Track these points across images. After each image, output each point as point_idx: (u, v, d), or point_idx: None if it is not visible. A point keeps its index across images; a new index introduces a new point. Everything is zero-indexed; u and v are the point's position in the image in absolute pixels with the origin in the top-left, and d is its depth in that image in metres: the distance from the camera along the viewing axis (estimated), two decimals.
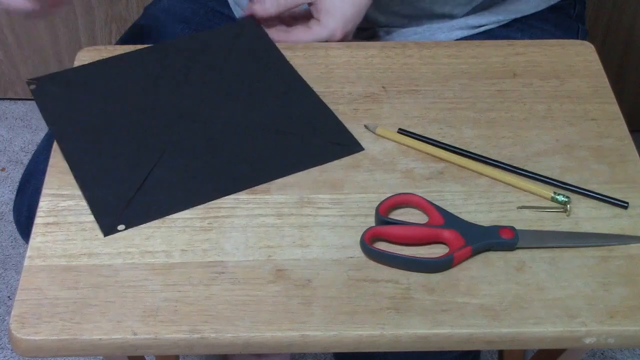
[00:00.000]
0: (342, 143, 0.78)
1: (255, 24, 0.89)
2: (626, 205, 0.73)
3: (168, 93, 0.83)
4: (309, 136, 0.79)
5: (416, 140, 0.79)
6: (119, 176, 0.75)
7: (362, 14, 0.88)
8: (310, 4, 0.88)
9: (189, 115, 0.81)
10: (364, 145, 0.79)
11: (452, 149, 0.78)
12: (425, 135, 0.79)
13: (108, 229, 0.71)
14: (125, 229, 0.71)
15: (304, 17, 0.91)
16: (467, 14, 0.98)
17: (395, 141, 0.79)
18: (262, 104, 0.82)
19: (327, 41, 0.88)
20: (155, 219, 0.72)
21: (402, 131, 0.80)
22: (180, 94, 0.83)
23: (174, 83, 0.84)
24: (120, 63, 0.87)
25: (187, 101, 0.82)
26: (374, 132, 0.80)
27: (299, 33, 0.89)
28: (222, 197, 0.74)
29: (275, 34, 0.89)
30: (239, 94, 0.83)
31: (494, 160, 0.77)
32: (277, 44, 0.88)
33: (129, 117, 0.81)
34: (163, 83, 0.84)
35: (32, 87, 0.84)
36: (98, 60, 0.87)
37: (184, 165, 0.76)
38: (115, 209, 0.73)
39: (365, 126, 0.81)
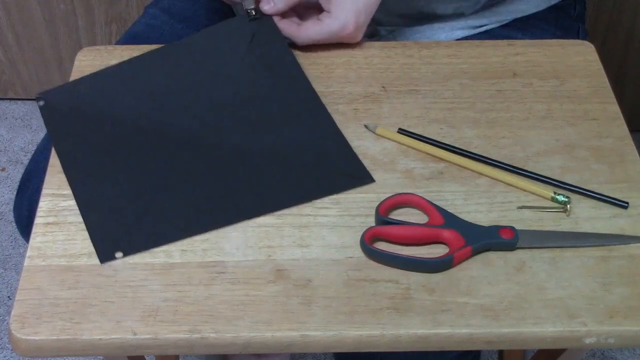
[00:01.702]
0: (354, 175, 0.75)
1: (272, 25, 0.86)
2: (626, 205, 0.73)
3: (177, 110, 0.81)
4: (319, 166, 0.76)
5: (416, 140, 0.79)
6: (120, 201, 0.74)
7: (376, 5, 0.86)
8: None
9: (196, 137, 0.78)
10: (364, 145, 0.79)
11: (452, 148, 0.78)
12: (425, 135, 0.79)
13: (105, 256, 0.69)
14: (123, 257, 0.70)
15: (317, 8, 0.88)
16: (469, 13, 0.98)
17: (395, 141, 0.79)
18: (274, 125, 0.79)
19: (340, 36, 0.86)
20: (155, 247, 0.70)
21: (402, 131, 0.80)
22: (189, 111, 0.81)
23: (183, 96, 0.82)
24: (128, 70, 0.84)
25: (195, 120, 0.80)
26: (374, 132, 0.80)
27: (310, 27, 0.86)
28: (225, 226, 0.72)
29: (287, 27, 0.86)
30: (251, 112, 0.80)
31: (494, 160, 0.77)
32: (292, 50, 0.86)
33: (134, 138, 0.78)
34: (170, 99, 0.82)
35: (41, 103, 0.82)
36: (106, 68, 0.85)
37: (188, 192, 0.74)
38: (114, 235, 0.71)
39: (365, 126, 0.81)
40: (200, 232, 0.71)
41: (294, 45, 0.87)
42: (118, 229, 0.71)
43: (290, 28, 0.86)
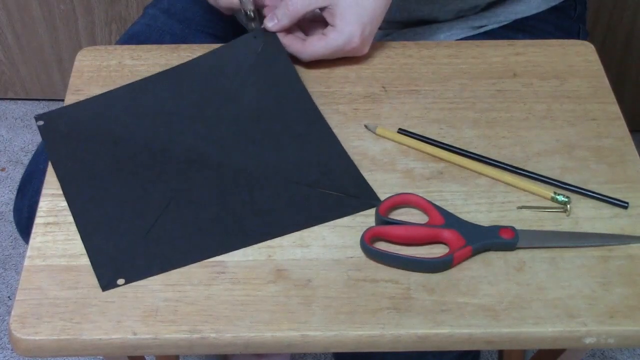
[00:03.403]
0: (360, 196, 0.74)
1: (277, 42, 0.85)
2: (626, 205, 0.73)
3: (179, 131, 0.79)
4: (326, 188, 0.74)
5: (416, 140, 0.79)
6: (122, 226, 0.72)
7: (381, 17, 0.84)
8: (323, 9, 0.83)
9: (200, 160, 0.77)
10: (364, 145, 0.79)
11: (452, 149, 0.78)
12: (425, 135, 0.79)
13: (107, 284, 0.68)
14: (124, 284, 0.68)
15: (322, 21, 0.86)
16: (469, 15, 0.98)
17: (395, 141, 0.79)
18: (279, 146, 0.78)
19: (345, 51, 0.84)
20: (157, 274, 0.68)
21: (402, 131, 0.80)
22: (192, 131, 0.79)
23: (185, 118, 0.80)
24: (130, 93, 0.83)
25: (199, 142, 0.78)
26: (374, 132, 0.80)
27: (315, 42, 0.84)
28: (230, 252, 0.70)
29: (292, 43, 0.84)
30: (255, 132, 0.79)
31: (494, 160, 0.77)
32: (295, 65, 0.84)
33: (136, 161, 0.77)
34: (173, 120, 0.80)
35: (40, 123, 0.80)
36: (107, 92, 0.83)
37: (191, 216, 0.72)
38: (115, 262, 0.69)
39: (365, 126, 0.81)
40: (203, 258, 0.69)
41: (297, 59, 0.86)
42: (119, 255, 0.70)
43: (295, 45, 0.84)
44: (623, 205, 0.73)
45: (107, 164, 0.77)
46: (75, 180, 0.76)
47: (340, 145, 0.78)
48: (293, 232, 0.71)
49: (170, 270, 0.69)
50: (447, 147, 0.78)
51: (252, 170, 0.76)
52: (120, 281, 0.68)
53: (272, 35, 0.85)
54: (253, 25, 0.87)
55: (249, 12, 0.86)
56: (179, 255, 0.70)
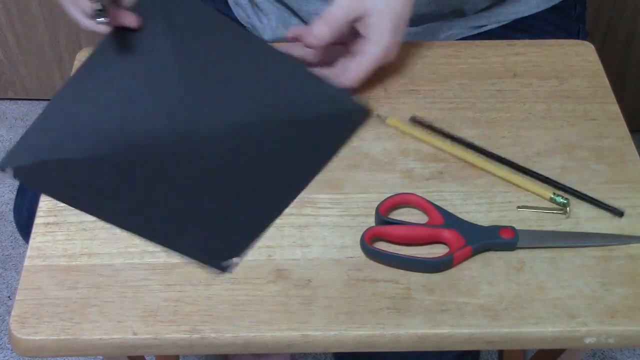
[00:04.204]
0: (351, 112, 0.70)
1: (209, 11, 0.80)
2: (621, 213, 0.73)
3: (139, 113, 0.77)
4: (320, 118, 0.71)
5: (424, 133, 0.79)
6: (67, 140, 0.72)
7: (408, 21, 0.81)
8: (355, 20, 0.79)
9: (182, 140, 0.75)
10: (364, 145, 0.79)
11: (462, 140, 0.78)
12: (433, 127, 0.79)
13: (2, 165, 0.69)
14: (10, 175, 0.68)
15: (341, 43, 0.82)
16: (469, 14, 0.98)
17: (404, 132, 0.80)
18: (257, 98, 0.75)
19: (383, 61, 0.80)
20: (43, 193, 0.69)
21: (414, 119, 0.80)
22: (161, 108, 0.77)
23: (142, 99, 0.78)
24: (80, 87, 0.80)
25: (171, 120, 0.76)
26: (384, 122, 0.80)
27: (355, 65, 0.79)
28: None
29: (333, 77, 0.80)
30: (224, 91, 0.76)
31: (500, 158, 0.77)
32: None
33: (129, 109, 0.76)
34: (133, 101, 0.78)
35: (8, 171, 0.74)
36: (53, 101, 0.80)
37: (136, 183, 0.72)
38: (30, 156, 0.69)
39: (378, 115, 0.81)
40: (99, 217, 0.70)
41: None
42: (37, 154, 0.71)
43: (337, 78, 0.80)
44: (618, 213, 0.73)
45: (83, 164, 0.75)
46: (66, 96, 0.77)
47: (304, 68, 0.74)
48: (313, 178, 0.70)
49: (67, 204, 0.70)
50: (456, 138, 0.78)
51: (243, 132, 0.74)
52: (8, 170, 0.69)
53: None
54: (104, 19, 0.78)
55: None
56: (83, 196, 0.71)
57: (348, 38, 0.81)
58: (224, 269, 0.68)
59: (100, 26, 0.77)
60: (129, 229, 0.70)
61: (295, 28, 0.82)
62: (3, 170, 0.67)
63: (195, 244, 0.70)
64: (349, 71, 0.80)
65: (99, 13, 0.77)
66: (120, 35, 0.79)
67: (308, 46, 0.79)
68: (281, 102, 0.75)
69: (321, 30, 0.78)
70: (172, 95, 0.77)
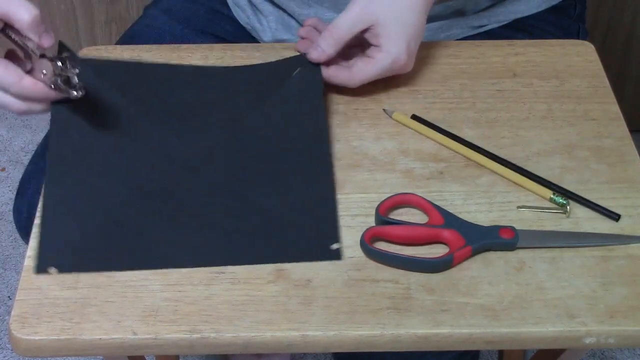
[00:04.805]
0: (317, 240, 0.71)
1: (316, 70, 0.81)
2: (617, 217, 0.72)
3: (183, 133, 0.77)
4: (289, 225, 0.71)
5: (429, 130, 0.80)
6: (84, 219, 0.70)
7: (423, 30, 0.82)
8: (365, 31, 0.80)
9: (187, 168, 0.74)
10: (364, 145, 0.79)
11: (464, 142, 0.78)
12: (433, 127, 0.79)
13: (39, 269, 0.67)
14: (57, 273, 0.67)
15: (360, 45, 0.82)
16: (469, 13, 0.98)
17: (410, 127, 0.80)
18: (271, 176, 0.75)
19: (393, 69, 0.81)
20: (91, 271, 0.67)
21: (415, 117, 0.81)
22: (194, 137, 0.77)
23: (196, 121, 0.78)
24: (160, 74, 0.81)
25: (194, 148, 0.76)
26: (390, 116, 0.81)
27: (362, 68, 0.80)
28: (171, 268, 0.68)
29: (338, 73, 0.81)
30: (254, 156, 0.76)
31: (501, 158, 0.77)
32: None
33: (129, 150, 0.75)
34: (184, 120, 0.78)
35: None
36: (142, 64, 0.81)
37: (153, 225, 0.70)
38: (59, 250, 0.68)
39: (384, 110, 0.81)
40: (145, 268, 0.68)
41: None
42: (67, 244, 0.68)
43: (341, 74, 0.81)
44: (614, 217, 0.72)
45: (101, 153, 0.75)
46: (63, 156, 0.74)
47: (332, 192, 0.74)
48: (248, 264, 0.69)
49: (106, 271, 0.68)
50: (458, 139, 0.79)
51: (233, 196, 0.73)
52: (52, 270, 0.67)
53: (313, 65, 0.81)
54: (75, 93, 0.72)
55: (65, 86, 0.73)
56: (122, 259, 0.68)
57: (365, 42, 0.81)
58: (337, 257, 0.69)
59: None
60: (213, 264, 0.69)
61: (306, 29, 0.85)
62: (46, 272, 0.67)
63: (291, 247, 0.70)
64: (354, 70, 0.81)
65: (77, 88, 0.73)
66: (71, 108, 0.76)
67: (312, 61, 0.81)
68: (284, 196, 0.74)
69: (327, 43, 0.80)
70: (163, 140, 0.77)
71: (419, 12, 0.80)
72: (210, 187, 0.74)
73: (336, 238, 0.71)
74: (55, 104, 0.75)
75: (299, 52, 0.85)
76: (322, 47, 0.80)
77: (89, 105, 0.76)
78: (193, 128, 0.78)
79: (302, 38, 0.87)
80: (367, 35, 0.80)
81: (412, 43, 0.80)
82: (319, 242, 0.70)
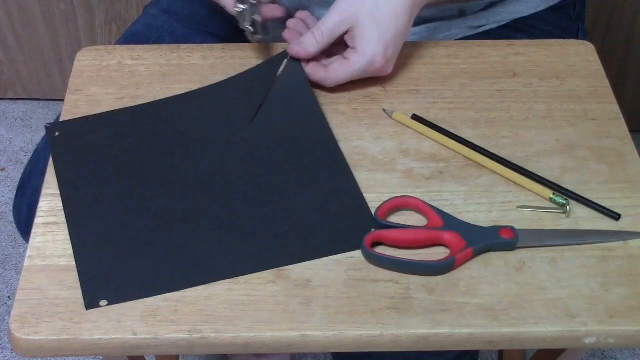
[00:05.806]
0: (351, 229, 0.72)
1: (299, 68, 0.82)
2: (617, 217, 0.73)
3: (190, 156, 0.78)
4: (329, 226, 0.72)
5: (429, 130, 0.80)
6: (116, 246, 0.70)
7: (405, 34, 0.82)
8: (345, 33, 0.81)
9: (208, 186, 0.75)
10: (364, 145, 0.79)
11: (465, 141, 0.78)
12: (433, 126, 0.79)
13: (90, 304, 0.66)
14: (107, 305, 0.66)
15: (344, 43, 0.83)
16: (468, 14, 0.98)
17: (410, 127, 0.80)
18: (290, 179, 0.76)
19: (369, 72, 0.82)
20: (141, 298, 0.67)
21: (415, 117, 0.81)
22: (204, 157, 0.77)
23: (200, 143, 0.79)
24: (148, 112, 0.82)
25: (209, 168, 0.76)
26: (390, 116, 0.81)
27: (337, 68, 0.81)
28: (216, 281, 0.68)
29: (315, 71, 0.82)
30: (267, 163, 0.77)
31: (500, 158, 0.77)
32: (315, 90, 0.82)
33: (143, 182, 0.75)
34: (188, 144, 0.79)
35: (56, 134, 0.79)
36: (123, 109, 0.82)
37: (189, 243, 0.71)
38: (103, 282, 0.67)
39: (384, 110, 0.81)
40: (191, 285, 0.68)
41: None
42: (107, 276, 0.68)
43: (318, 73, 0.82)
44: (614, 216, 0.73)
45: (112, 183, 0.75)
46: (78, 198, 0.74)
47: (355, 182, 0.75)
48: (285, 265, 0.69)
49: (155, 295, 0.67)
50: (458, 139, 0.79)
51: (256, 200, 0.74)
52: (103, 302, 0.66)
53: (295, 61, 0.83)
54: (258, 36, 0.86)
55: (248, 26, 0.85)
56: (167, 281, 0.68)
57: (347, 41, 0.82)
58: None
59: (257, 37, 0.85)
60: (254, 270, 0.69)
61: (294, 21, 0.87)
62: (98, 305, 0.66)
63: (330, 241, 0.71)
64: (330, 73, 0.82)
65: (253, 32, 0.85)
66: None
67: (294, 57, 0.83)
68: (309, 196, 0.75)
69: (310, 43, 0.82)
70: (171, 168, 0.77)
71: (402, 17, 0.81)
72: (232, 200, 0.74)
73: (372, 225, 0.71)
74: (58, 163, 0.77)
75: (285, 40, 0.86)
76: (305, 45, 0.82)
77: (92, 155, 0.78)
78: (197, 151, 0.78)
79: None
80: (346, 37, 0.82)
81: (391, 47, 0.81)
82: (357, 231, 0.71)
